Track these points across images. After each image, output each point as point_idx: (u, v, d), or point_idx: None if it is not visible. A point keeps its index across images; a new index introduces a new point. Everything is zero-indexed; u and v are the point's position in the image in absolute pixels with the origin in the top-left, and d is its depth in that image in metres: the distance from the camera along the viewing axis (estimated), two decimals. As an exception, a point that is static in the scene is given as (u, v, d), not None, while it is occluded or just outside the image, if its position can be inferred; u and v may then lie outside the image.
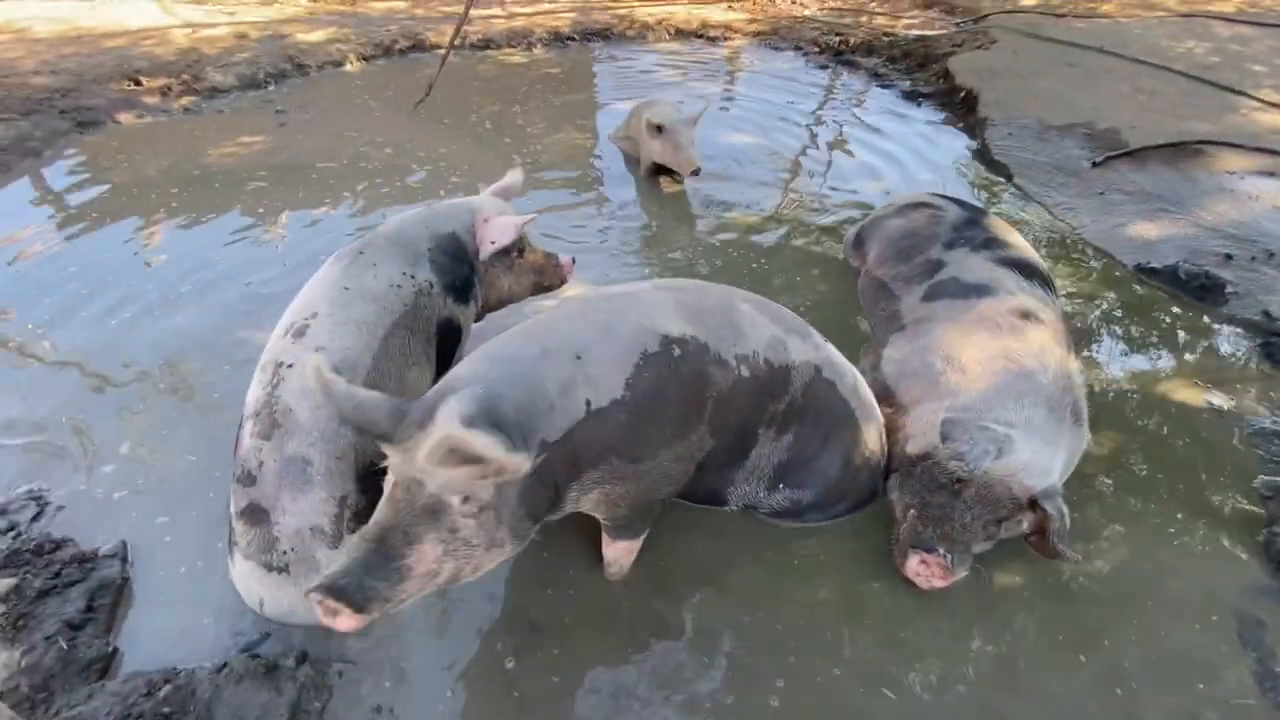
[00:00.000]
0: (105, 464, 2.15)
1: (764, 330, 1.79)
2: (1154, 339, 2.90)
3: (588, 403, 1.48)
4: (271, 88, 5.05)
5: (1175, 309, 3.04)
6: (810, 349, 1.90)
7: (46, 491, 2.05)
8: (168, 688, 1.53)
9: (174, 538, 1.95)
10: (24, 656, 1.59)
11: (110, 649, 1.66)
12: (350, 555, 1.29)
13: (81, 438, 2.23)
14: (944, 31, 6.48)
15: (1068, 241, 3.52)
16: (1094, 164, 4.10)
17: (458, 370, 1.48)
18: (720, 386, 1.67)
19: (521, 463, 1.28)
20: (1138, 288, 3.18)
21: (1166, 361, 2.78)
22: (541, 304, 2.55)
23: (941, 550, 1.77)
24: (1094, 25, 6.29)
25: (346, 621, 1.26)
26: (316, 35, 5.75)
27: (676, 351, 1.60)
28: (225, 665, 1.59)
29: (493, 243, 2.22)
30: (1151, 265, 3.25)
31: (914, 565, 1.79)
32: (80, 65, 4.88)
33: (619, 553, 1.83)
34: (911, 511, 1.90)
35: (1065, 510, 1.77)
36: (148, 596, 1.82)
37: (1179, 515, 2.14)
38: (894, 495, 2.05)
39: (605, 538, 1.82)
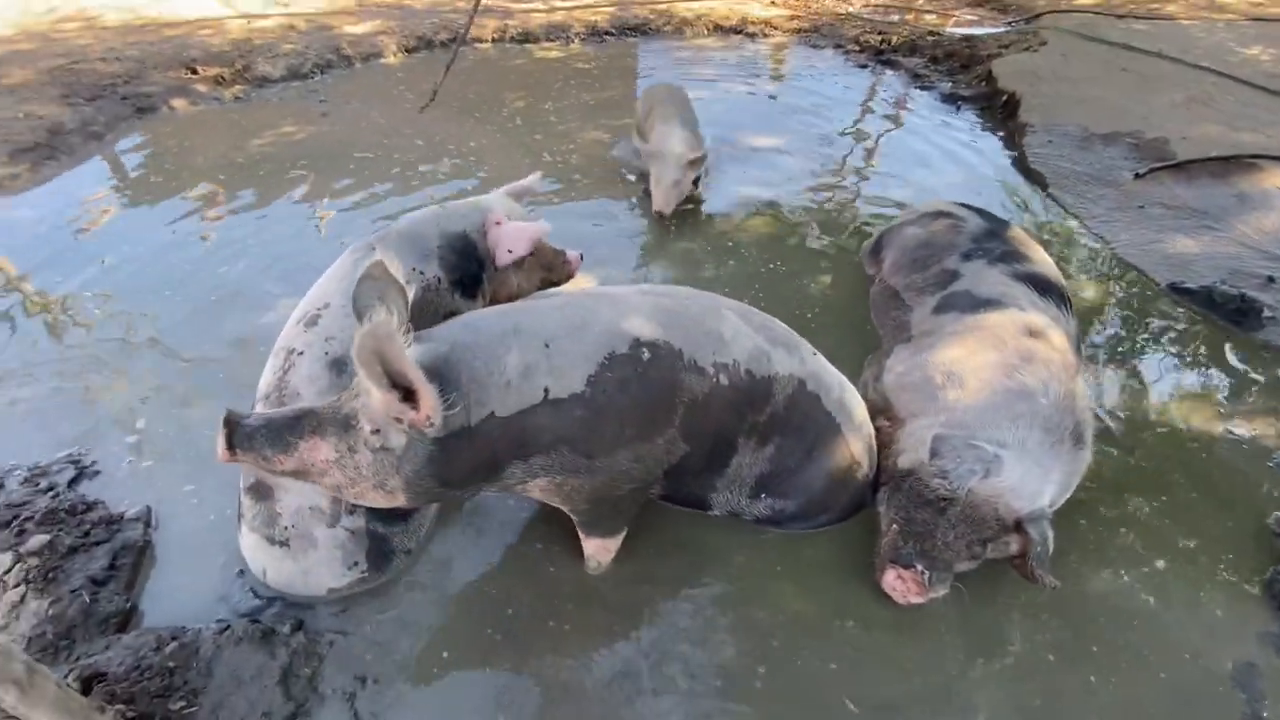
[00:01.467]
0: (139, 433, 2.32)
1: (747, 341, 1.79)
2: (1179, 362, 2.80)
3: (546, 390, 1.52)
4: (317, 78, 5.24)
5: (1205, 332, 2.92)
6: (795, 362, 1.89)
7: (84, 456, 2.22)
8: (174, 644, 1.66)
9: (196, 505, 2.09)
10: (51, 606, 1.74)
11: (128, 605, 1.81)
12: (278, 412, 1.46)
13: (118, 407, 2.41)
14: (993, 30, 6.28)
15: (1099, 257, 3.41)
16: (1137, 176, 3.95)
17: (434, 329, 1.56)
18: (694, 393, 1.69)
19: (432, 416, 1.35)
20: (1168, 308, 3.06)
21: (1189, 386, 2.69)
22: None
23: (919, 566, 1.77)
24: (1155, 27, 6.01)
25: (219, 449, 1.41)
26: (362, 27, 5.93)
27: (646, 355, 1.62)
28: (227, 627, 1.71)
29: (509, 252, 2.27)
30: (1186, 285, 3.12)
31: (890, 579, 1.80)
32: (142, 53, 5.16)
33: (595, 549, 1.89)
34: (894, 525, 1.90)
35: (1049, 535, 1.75)
36: (167, 559, 1.96)
37: (1185, 545, 2.09)
38: (882, 508, 2.05)
39: (580, 533, 1.88)
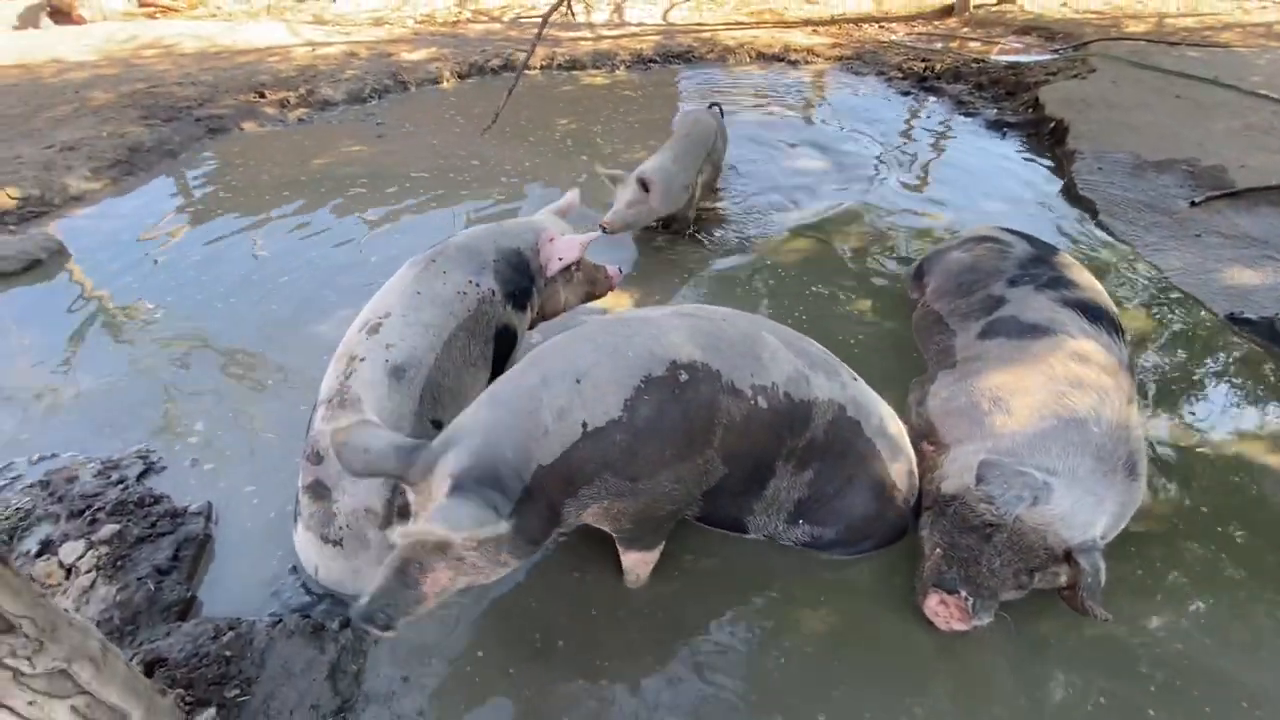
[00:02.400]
0: (202, 434, 2.43)
1: (786, 364, 1.78)
2: (1237, 395, 2.70)
3: (584, 425, 1.54)
4: (374, 102, 5.50)
5: (1268, 364, 2.82)
6: (836, 387, 1.87)
7: (152, 452, 2.35)
8: (230, 634, 1.73)
9: (255, 504, 2.18)
10: (119, 593, 1.84)
11: (189, 594, 1.90)
12: (380, 580, 1.43)
13: (182, 408, 2.54)
14: (1040, 58, 6.23)
15: (1153, 285, 3.33)
16: (1193, 203, 3.85)
17: (461, 418, 1.58)
18: (732, 415, 1.68)
19: (500, 528, 1.40)
20: (1228, 338, 2.97)
21: (1248, 420, 2.58)
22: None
23: (963, 593, 1.74)
24: (1210, 55, 5.88)
25: (381, 634, 1.44)
26: (418, 54, 6.21)
27: (684, 376, 1.62)
28: (280, 621, 1.78)
29: (560, 259, 2.36)
30: (1245, 316, 3.02)
31: (933, 604, 1.77)
32: (216, 78, 5.50)
33: (634, 562, 1.90)
34: (938, 550, 1.87)
35: (1101, 567, 1.70)
36: (225, 552, 2.05)
37: (1243, 586, 2.00)
38: (924, 533, 2.02)
39: (619, 548, 1.89)
